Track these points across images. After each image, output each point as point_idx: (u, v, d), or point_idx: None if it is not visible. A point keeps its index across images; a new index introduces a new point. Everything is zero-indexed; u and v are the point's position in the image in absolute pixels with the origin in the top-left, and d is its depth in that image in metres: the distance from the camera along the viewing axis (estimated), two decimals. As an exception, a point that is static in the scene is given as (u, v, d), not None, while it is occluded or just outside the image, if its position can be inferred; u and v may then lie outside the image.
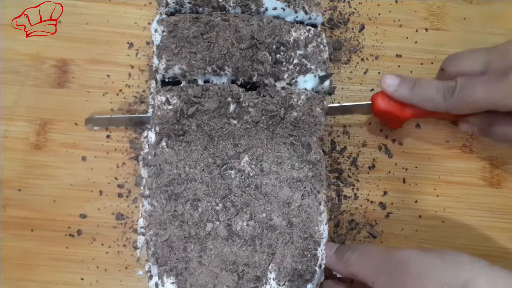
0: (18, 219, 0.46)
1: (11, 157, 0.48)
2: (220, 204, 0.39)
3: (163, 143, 0.41)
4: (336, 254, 0.38)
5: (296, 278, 0.37)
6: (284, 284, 0.37)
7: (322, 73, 0.43)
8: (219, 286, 0.37)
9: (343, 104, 0.47)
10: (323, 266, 0.38)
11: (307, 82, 0.44)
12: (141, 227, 0.45)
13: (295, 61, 0.43)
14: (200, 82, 0.43)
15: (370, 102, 0.45)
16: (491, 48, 0.42)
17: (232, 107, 0.41)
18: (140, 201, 0.46)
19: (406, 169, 0.49)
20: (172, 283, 0.37)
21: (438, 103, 0.41)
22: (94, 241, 0.46)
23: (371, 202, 0.48)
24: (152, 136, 0.42)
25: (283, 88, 0.43)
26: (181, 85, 0.42)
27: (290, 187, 0.39)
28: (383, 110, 0.44)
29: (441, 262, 0.32)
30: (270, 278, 0.37)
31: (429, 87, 0.42)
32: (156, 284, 0.38)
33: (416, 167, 0.49)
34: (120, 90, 0.50)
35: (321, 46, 0.44)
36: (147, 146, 0.47)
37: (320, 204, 0.39)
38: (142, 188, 0.46)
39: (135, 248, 0.46)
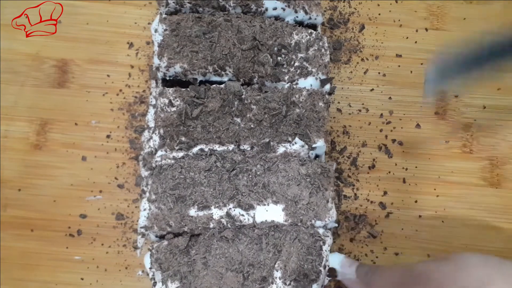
0: (18, 219, 0.46)
1: (11, 157, 0.48)
2: (228, 204, 0.39)
3: (167, 146, 0.41)
4: (357, 275, 0.40)
5: (302, 277, 0.37)
6: (290, 284, 0.37)
7: (323, 77, 0.43)
8: (224, 287, 0.37)
9: None
10: (327, 267, 0.38)
11: (307, 85, 0.44)
12: (141, 227, 0.45)
13: (296, 63, 0.43)
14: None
15: None
16: None
17: (235, 104, 0.41)
18: (141, 201, 0.46)
19: (406, 169, 0.49)
20: (177, 287, 0.37)
21: None
22: (94, 241, 0.46)
23: (371, 202, 0.48)
24: (156, 138, 0.41)
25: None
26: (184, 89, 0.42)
27: (298, 185, 0.39)
28: None
29: (456, 269, 0.33)
30: (276, 278, 0.37)
31: None
32: None
33: (416, 167, 0.49)
34: (120, 90, 0.50)
35: (323, 50, 0.44)
36: (147, 147, 0.47)
37: (327, 202, 0.39)
38: (142, 188, 0.46)
39: (135, 248, 0.46)
